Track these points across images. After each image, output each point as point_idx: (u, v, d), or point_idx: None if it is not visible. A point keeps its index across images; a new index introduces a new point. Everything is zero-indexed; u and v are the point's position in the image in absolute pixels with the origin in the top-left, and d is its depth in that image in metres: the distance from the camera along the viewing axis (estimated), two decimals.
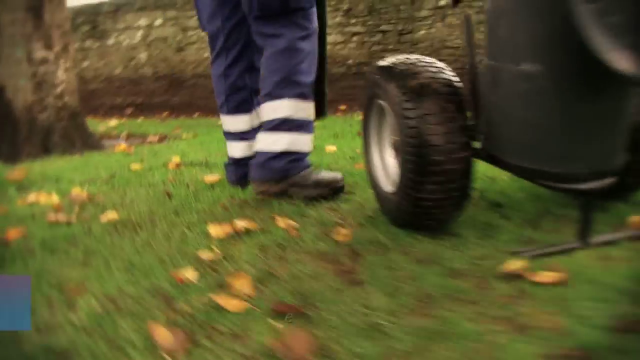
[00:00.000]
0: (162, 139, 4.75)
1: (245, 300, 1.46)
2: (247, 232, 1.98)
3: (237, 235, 1.97)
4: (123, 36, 7.95)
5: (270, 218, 2.13)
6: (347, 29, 6.81)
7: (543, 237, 1.83)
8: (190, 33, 7.61)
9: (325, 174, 2.39)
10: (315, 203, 2.30)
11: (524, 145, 1.65)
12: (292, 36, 2.24)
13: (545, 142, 1.62)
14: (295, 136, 2.33)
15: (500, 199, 2.19)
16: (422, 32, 6.82)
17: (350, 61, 6.88)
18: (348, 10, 6.71)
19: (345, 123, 4.92)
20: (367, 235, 1.89)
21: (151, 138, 4.82)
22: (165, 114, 7.28)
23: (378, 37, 6.90)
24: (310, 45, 2.30)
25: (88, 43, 8.83)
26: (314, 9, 2.35)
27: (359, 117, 5.32)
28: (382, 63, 1.89)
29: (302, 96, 2.32)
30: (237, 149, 2.57)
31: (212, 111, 6.82)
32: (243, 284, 1.52)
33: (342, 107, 6.54)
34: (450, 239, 1.85)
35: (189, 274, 1.63)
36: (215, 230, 1.98)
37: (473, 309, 1.41)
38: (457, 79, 1.81)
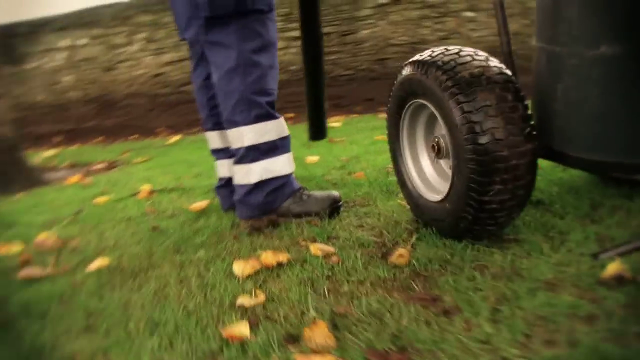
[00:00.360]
0: (111, 166, 4.33)
1: (330, 354, 1.18)
2: (280, 265, 1.68)
3: (269, 270, 1.67)
4: (45, 59, 7.36)
5: (297, 245, 1.84)
6: (288, 34, 6.55)
7: (611, 232, 1.65)
8: (119, 50, 7.13)
9: (318, 194, 2.11)
10: (335, 221, 2.03)
11: (599, 136, 1.45)
12: (245, 47, 1.95)
13: (627, 132, 1.42)
14: (268, 162, 2.04)
15: (538, 195, 2.00)
16: (365, 31, 6.66)
17: (293, 67, 6.62)
18: (287, 15, 6.46)
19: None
20: (422, 252, 1.64)
21: (98, 166, 4.39)
22: (99, 139, 6.77)
23: None
24: (268, 59, 2.01)
25: (3, 69, 8.14)
26: (274, 15, 2.04)
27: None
28: (418, 58, 1.65)
29: (264, 117, 2.00)
30: (227, 168, 2.25)
31: (151, 132, 6.40)
32: (316, 333, 1.23)
33: (290, 114, 6.27)
34: (515, 246, 1.63)
35: (240, 328, 1.32)
36: (241, 267, 1.68)
37: (603, 325, 1.18)
38: (504, 66, 1.58)
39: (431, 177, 1.80)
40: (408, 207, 1.94)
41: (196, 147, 4.32)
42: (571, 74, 1.44)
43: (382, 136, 3.69)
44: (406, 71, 1.69)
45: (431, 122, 1.80)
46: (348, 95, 6.72)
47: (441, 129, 1.72)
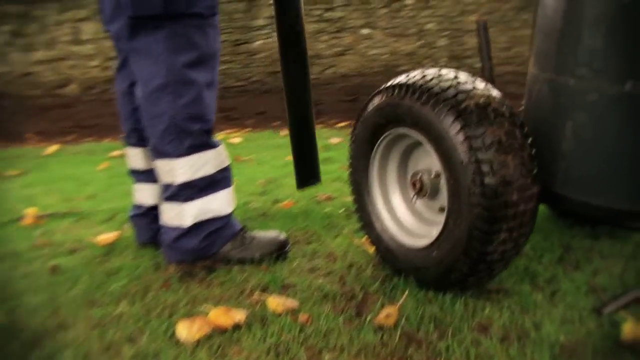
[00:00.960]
0: None
1: None
2: (237, 327, 1.36)
3: (224, 333, 1.34)
4: None
5: (246, 296, 1.53)
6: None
7: (600, 281, 1.55)
8: None
9: (263, 237, 1.80)
10: (283, 263, 1.75)
11: (616, 181, 1.30)
12: (177, 60, 1.59)
13: None
14: (205, 201, 1.70)
15: None
16: (259, 42, 6.39)
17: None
18: None
19: None
20: (409, 308, 1.40)
21: None
22: None
23: None
24: (206, 75, 1.65)
25: None
26: (216, 20, 1.67)
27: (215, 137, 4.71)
28: (405, 81, 1.42)
29: (200, 147, 1.67)
30: (149, 194, 1.88)
31: (17, 138, 5.66)
32: None
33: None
34: (505, 298, 1.45)
35: None
36: (186, 329, 1.34)
37: None
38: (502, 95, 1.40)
39: (406, 219, 1.58)
40: (371, 248, 1.70)
41: (81, 161, 3.79)
42: (587, 111, 1.28)
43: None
44: (387, 95, 1.45)
45: (407, 155, 1.58)
46: (239, 107, 6.42)
47: (425, 164, 1.51)
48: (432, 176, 1.47)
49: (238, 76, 6.45)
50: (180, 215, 1.68)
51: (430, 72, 1.40)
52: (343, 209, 2.24)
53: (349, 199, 2.42)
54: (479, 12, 6.54)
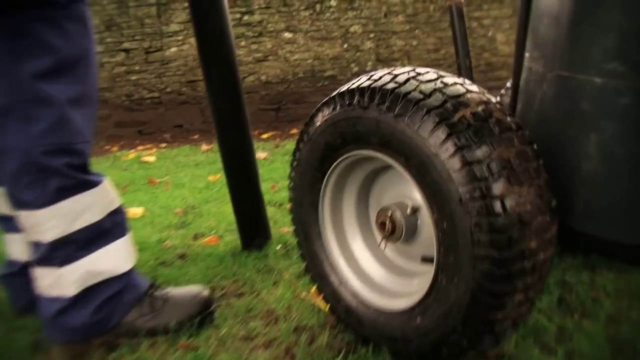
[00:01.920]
0: None
1: None
2: None
3: None
4: None
5: None
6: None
7: (622, 334, 1.20)
8: None
9: (179, 296, 1.35)
10: (213, 330, 1.31)
11: None
12: (23, 69, 1.12)
13: None
14: (91, 259, 1.23)
15: None
16: (173, 49, 5.86)
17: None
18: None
19: (116, 166, 3.77)
20: None
21: None
22: None
23: (120, 56, 5.72)
24: (68, 89, 1.18)
25: None
26: (83, 11, 1.19)
27: (127, 155, 4.18)
28: (366, 84, 1.02)
29: (74, 189, 1.20)
30: (23, 247, 1.40)
31: None
32: None
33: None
34: None
35: None
36: None
37: None
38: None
39: (373, 271, 1.18)
40: (324, 304, 1.29)
41: None
42: (619, 118, 0.92)
43: (217, 175, 3.00)
44: (343, 104, 1.05)
45: (370, 184, 1.19)
46: (153, 121, 5.90)
47: (395, 195, 1.12)
48: (408, 212, 1.08)
49: (151, 87, 5.89)
50: (58, 283, 1.21)
51: (403, 72, 1.01)
52: (280, 245, 1.82)
53: (287, 229, 2.03)
54: (404, 13, 6.30)
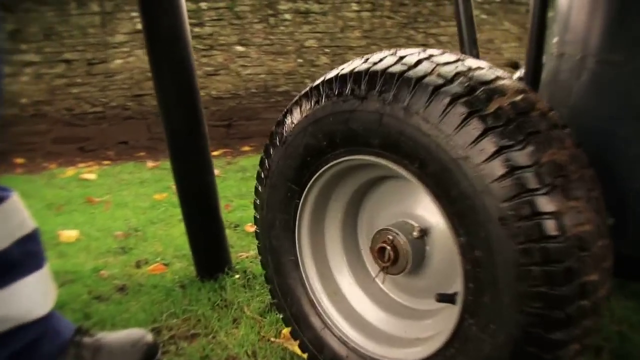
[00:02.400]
0: None
1: None
2: None
3: None
4: None
5: None
6: (17, 57, 5.11)
7: None
8: None
9: (116, 342, 1.06)
10: None
11: None
12: None
13: None
14: None
15: None
16: (119, 61, 5.52)
17: (24, 100, 5.20)
18: (15, 32, 5.03)
19: (52, 184, 3.41)
20: None
21: None
22: None
23: (61, 67, 5.33)
24: None
25: None
26: None
27: (64, 172, 3.82)
28: (362, 67, 0.78)
29: None
30: None
31: None
32: None
33: (19, 160, 4.85)
34: None
35: None
36: None
37: None
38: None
39: (366, 310, 0.92)
40: (297, 349, 1.03)
41: None
42: None
43: (164, 194, 2.70)
44: (330, 95, 0.80)
45: (358, 201, 0.94)
46: (96, 137, 5.52)
47: (394, 214, 0.87)
48: (414, 235, 0.84)
49: (94, 101, 5.53)
50: None
51: (411, 52, 0.77)
52: (238, 275, 1.55)
53: (245, 255, 1.77)
54: (361, 29, 6.16)
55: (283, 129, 0.88)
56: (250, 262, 1.65)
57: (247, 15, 5.90)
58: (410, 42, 6.06)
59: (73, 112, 5.52)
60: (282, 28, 6.03)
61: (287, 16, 6.00)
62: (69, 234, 2.12)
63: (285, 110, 0.89)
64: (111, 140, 5.57)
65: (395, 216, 0.88)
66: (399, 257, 0.83)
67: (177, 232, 2.04)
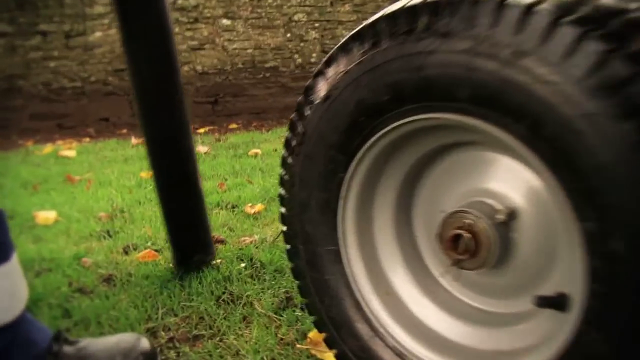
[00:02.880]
0: None
1: None
2: None
3: None
4: None
5: None
6: None
7: None
8: None
9: (100, 349, 0.86)
10: None
11: None
12: None
13: None
14: None
15: None
16: (98, 34, 5.23)
17: None
18: None
19: (27, 161, 3.16)
20: None
21: None
22: None
23: (36, 39, 5.02)
24: None
25: None
26: None
27: (42, 150, 3.57)
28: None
29: None
30: None
31: None
32: None
33: None
34: None
35: None
36: None
37: None
38: None
39: (425, 314, 0.73)
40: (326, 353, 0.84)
41: None
42: None
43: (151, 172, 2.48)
44: (394, 35, 0.60)
45: (414, 179, 0.74)
46: (75, 113, 5.27)
47: (470, 195, 0.68)
48: (499, 219, 0.64)
49: (72, 75, 5.24)
50: None
51: None
52: (244, 264, 1.35)
53: (248, 239, 1.56)
54: (351, 2, 5.93)
55: (324, 81, 0.68)
56: (256, 247, 1.45)
57: None
58: None
59: (50, 87, 5.24)
60: (269, 1, 5.78)
61: None
62: (46, 216, 1.91)
63: (328, 57, 0.68)
64: (91, 117, 5.30)
65: (468, 195, 0.69)
66: (479, 247, 0.64)
67: None
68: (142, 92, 1.19)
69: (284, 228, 0.79)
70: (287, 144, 0.75)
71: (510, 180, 0.65)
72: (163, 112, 1.21)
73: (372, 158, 0.68)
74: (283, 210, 0.79)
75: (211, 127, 4.81)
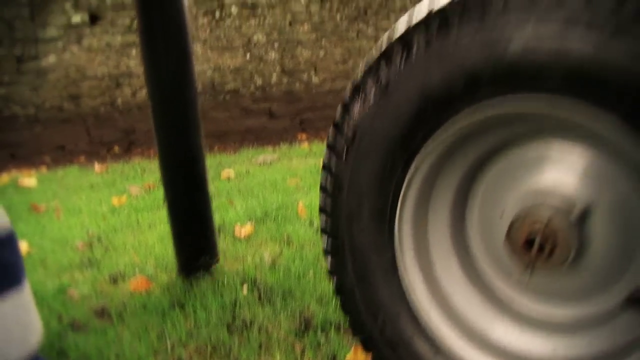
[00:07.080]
0: None
1: None
2: None
3: None
4: None
5: None
6: None
7: None
8: None
9: None
10: None
11: None
12: None
13: None
14: None
15: None
16: (52, 58, 5.05)
17: None
18: None
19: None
20: None
21: None
22: None
23: None
24: None
25: None
26: None
27: (17, 178, 3.39)
28: None
29: None
30: None
31: None
32: None
33: None
34: None
35: None
36: None
37: None
38: None
39: (489, 325, 0.67)
40: None
41: None
42: None
43: (123, 197, 2.37)
44: (465, 11, 0.54)
45: (470, 179, 0.69)
46: (29, 142, 5.06)
47: (537, 195, 0.62)
48: (574, 217, 0.59)
49: (24, 102, 5.04)
50: None
51: None
52: (247, 287, 1.26)
53: (249, 261, 1.45)
54: (310, 22, 5.92)
55: (378, 71, 0.62)
56: (256, 268, 1.36)
57: (191, 8, 5.55)
58: (360, 36, 5.88)
59: (1, 115, 5.02)
60: (228, 22, 5.72)
61: (233, 9, 5.70)
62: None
63: (382, 51, 0.62)
64: (46, 145, 5.09)
65: (534, 194, 0.63)
66: (555, 247, 0.59)
67: (152, 238, 1.73)
68: (160, 104, 1.23)
69: (327, 240, 0.72)
70: (330, 145, 0.68)
71: (581, 175, 0.60)
72: (178, 120, 1.19)
73: (436, 155, 0.62)
74: (323, 219, 0.71)
75: None
